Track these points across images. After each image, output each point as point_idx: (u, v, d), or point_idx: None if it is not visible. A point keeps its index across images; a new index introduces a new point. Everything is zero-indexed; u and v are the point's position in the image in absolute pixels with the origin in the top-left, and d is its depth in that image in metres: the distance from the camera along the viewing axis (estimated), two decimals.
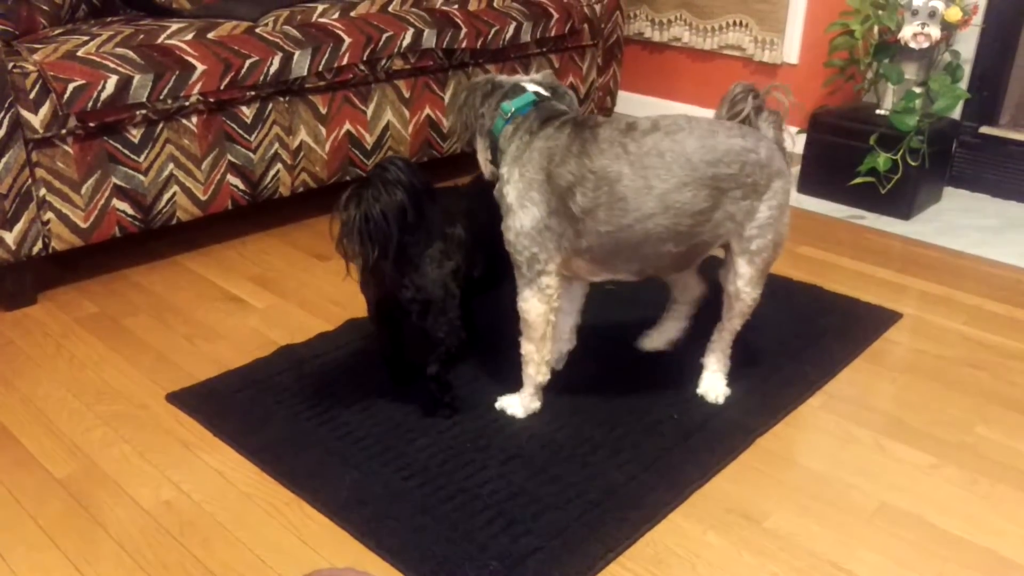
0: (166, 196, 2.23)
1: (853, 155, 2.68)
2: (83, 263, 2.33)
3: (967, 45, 2.74)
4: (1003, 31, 2.75)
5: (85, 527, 1.43)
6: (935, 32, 2.59)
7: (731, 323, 1.73)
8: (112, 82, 2.03)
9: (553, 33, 2.94)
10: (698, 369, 1.80)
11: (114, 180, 2.14)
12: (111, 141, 2.11)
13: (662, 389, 1.79)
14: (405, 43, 2.54)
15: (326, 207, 2.29)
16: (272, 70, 2.30)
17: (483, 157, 1.68)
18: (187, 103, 2.18)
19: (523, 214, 1.56)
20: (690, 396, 1.77)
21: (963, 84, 2.75)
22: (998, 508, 1.51)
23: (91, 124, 2.05)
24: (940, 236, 2.59)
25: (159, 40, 2.17)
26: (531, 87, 1.66)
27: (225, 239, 2.52)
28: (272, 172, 2.42)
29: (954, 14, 2.59)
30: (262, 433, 1.65)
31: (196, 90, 2.17)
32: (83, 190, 2.09)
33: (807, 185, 2.87)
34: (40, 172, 2.02)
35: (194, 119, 2.23)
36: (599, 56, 3.22)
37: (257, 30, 2.33)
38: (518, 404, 1.70)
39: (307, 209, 2.70)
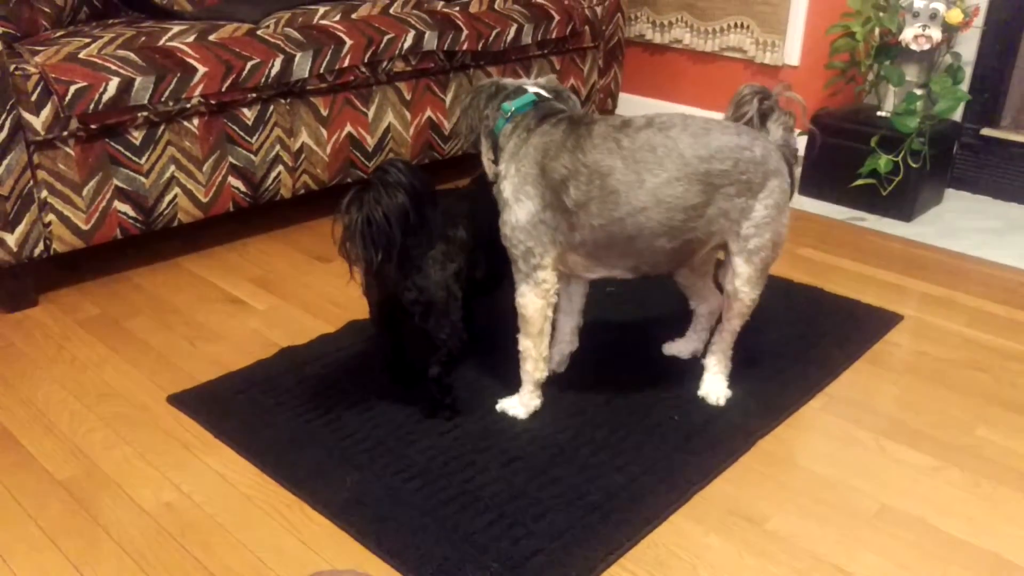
0: (167, 198, 2.24)
1: (854, 157, 2.68)
2: (84, 265, 2.33)
3: (968, 47, 2.74)
4: (1004, 33, 2.75)
5: (86, 528, 1.43)
6: (936, 34, 2.59)
7: (730, 323, 1.73)
8: (114, 84, 2.03)
9: (554, 35, 2.94)
10: (699, 371, 1.80)
11: (115, 182, 2.14)
12: (112, 143, 2.11)
13: (663, 391, 1.79)
14: (406, 45, 2.54)
15: (327, 209, 2.30)
16: (273, 72, 2.30)
17: (486, 157, 1.68)
18: (188, 105, 2.18)
19: (518, 208, 1.57)
20: (691, 398, 1.77)
21: (964, 86, 2.75)
22: (1000, 510, 1.50)
23: (93, 126, 2.05)
24: (941, 238, 2.59)
25: (160, 42, 2.17)
26: (533, 90, 1.66)
27: (226, 241, 2.52)
28: (273, 174, 2.43)
29: (955, 16, 2.59)
30: (263, 435, 1.65)
31: (197, 92, 2.18)
32: (84, 192, 2.10)
33: (808, 187, 2.87)
34: (42, 174, 2.03)
35: (195, 121, 2.23)
36: (600, 58, 3.22)
37: (258, 32, 2.33)
38: (519, 405, 1.70)
39: (308, 211, 2.70)
